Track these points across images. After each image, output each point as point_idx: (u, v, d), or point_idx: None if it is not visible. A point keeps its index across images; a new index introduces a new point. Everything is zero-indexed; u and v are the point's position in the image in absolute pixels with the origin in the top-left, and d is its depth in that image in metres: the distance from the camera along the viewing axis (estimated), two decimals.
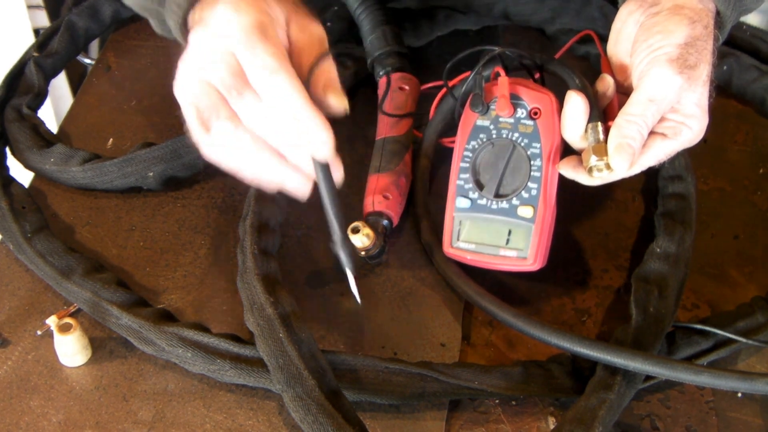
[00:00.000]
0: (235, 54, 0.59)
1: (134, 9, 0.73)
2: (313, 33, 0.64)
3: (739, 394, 0.65)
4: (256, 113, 0.60)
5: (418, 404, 0.64)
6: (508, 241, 0.69)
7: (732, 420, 0.64)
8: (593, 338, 0.66)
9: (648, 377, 0.64)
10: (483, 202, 0.70)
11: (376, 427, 0.62)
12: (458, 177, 0.71)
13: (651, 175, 0.76)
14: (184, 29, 0.66)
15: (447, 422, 0.63)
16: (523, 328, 0.65)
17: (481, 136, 0.71)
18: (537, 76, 0.74)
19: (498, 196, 0.69)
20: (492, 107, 0.71)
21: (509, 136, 0.70)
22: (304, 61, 0.63)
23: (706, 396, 0.65)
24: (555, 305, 0.72)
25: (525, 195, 0.69)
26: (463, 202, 0.70)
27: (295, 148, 0.62)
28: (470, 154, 0.71)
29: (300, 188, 0.63)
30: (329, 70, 0.64)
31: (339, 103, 0.63)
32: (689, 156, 0.76)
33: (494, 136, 0.70)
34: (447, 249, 0.71)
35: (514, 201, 0.69)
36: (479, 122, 0.71)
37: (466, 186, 0.70)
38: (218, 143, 0.61)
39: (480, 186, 0.70)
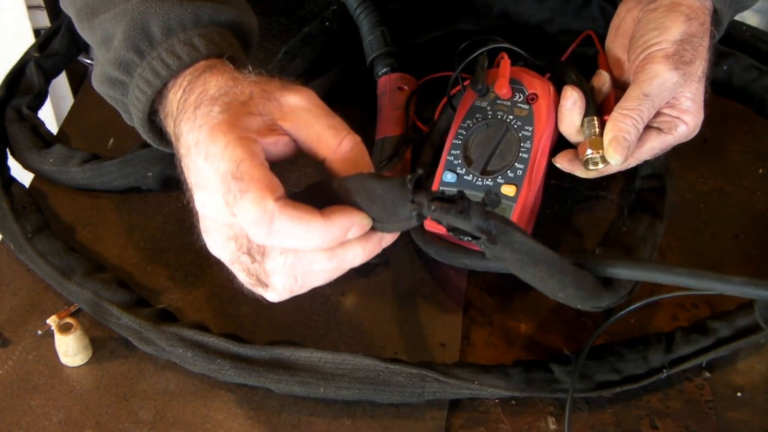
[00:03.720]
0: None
1: (104, 96, 0.66)
2: (310, 113, 0.57)
3: (739, 394, 0.65)
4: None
5: (417, 404, 0.64)
6: None
7: (732, 420, 0.64)
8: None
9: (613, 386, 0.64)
10: (469, 177, 0.70)
11: (376, 427, 0.62)
12: (449, 153, 0.72)
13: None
14: (150, 124, 0.62)
15: (447, 422, 0.63)
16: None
17: (477, 115, 0.72)
18: (548, 76, 0.74)
19: (484, 173, 0.70)
20: (492, 89, 0.71)
21: (504, 118, 0.71)
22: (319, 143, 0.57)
23: (706, 396, 0.65)
24: (555, 305, 0.71)
25: (510, 174, 0.69)
26: (449, 176, 0.71)
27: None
28: (464, 132, 0.72)
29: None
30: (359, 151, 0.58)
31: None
32: (669, 158, 0.76)
33: (490, 116, 0.71)
34: (427, 222, 0.71)
35: (499, 179, 0.69)
36: (477, 103, 0.72)
37: (455, 162, 0.71)
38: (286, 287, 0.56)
39: (468, 162, 0.71)
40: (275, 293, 0.56)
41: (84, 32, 0.65)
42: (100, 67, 0.63)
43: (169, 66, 0.58)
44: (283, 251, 0.54)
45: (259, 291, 0.56)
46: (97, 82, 0.64)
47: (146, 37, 0.59)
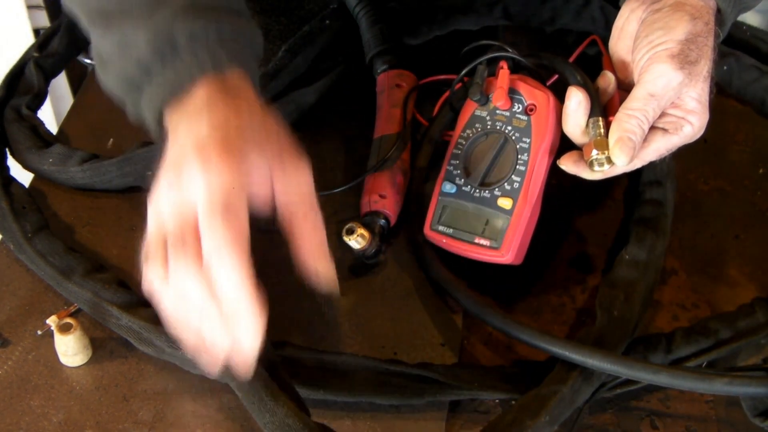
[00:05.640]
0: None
1: (113, 94, 0.64)
2: (300, 190, 0.58)
3: None
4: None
5: (418, 404, 0.64)
6: (484, 230, 0.69)
7: (732, 420, 0.64)
8: (555, 334, 0.66)
9: (614, 386, 0.64)
10: (467, 189, 0.70)
11: (376, 427, 0.62)
12: (449, 163, 0.72)
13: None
14: (161, 125, 0.61)
15: (447, 422, 0.63)
16: (472, 308, 0.67)
17: (477, 125, 0.72)
18: (551, 80, 0.74)
19: (482, 185, 0.70)
20: (491, 99, 0.71)
21: (502, 129, 0.70)
22: (291, 217, 0.58)
23: (706, 396, 0.65)
24: (555, 305, 0.72)
25: (507, 187, 0.69)
26: (448, 187, 0.71)
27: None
28: (464, 142, 0.72)
29: (241, 371, 0.56)
30: (318, 234, 0.58)
31: (326, 272, 0.58)
32: (673, 160, 0.76)
33: (489, 127, 0.71)
34: (427, 230, 0.71)
35: (496, 191, 0.69)
36: (477, 112, 0.72)
37: (455, 172, 0.71)
38: (174, 286, 0.55)
39: (467, 173, 0.71)
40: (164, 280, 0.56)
41: (96, 35, 0.63)
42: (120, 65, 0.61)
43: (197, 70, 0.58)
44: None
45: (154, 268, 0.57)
46: (112, 80, 0.63)
47: (170, 43, 0.59)
